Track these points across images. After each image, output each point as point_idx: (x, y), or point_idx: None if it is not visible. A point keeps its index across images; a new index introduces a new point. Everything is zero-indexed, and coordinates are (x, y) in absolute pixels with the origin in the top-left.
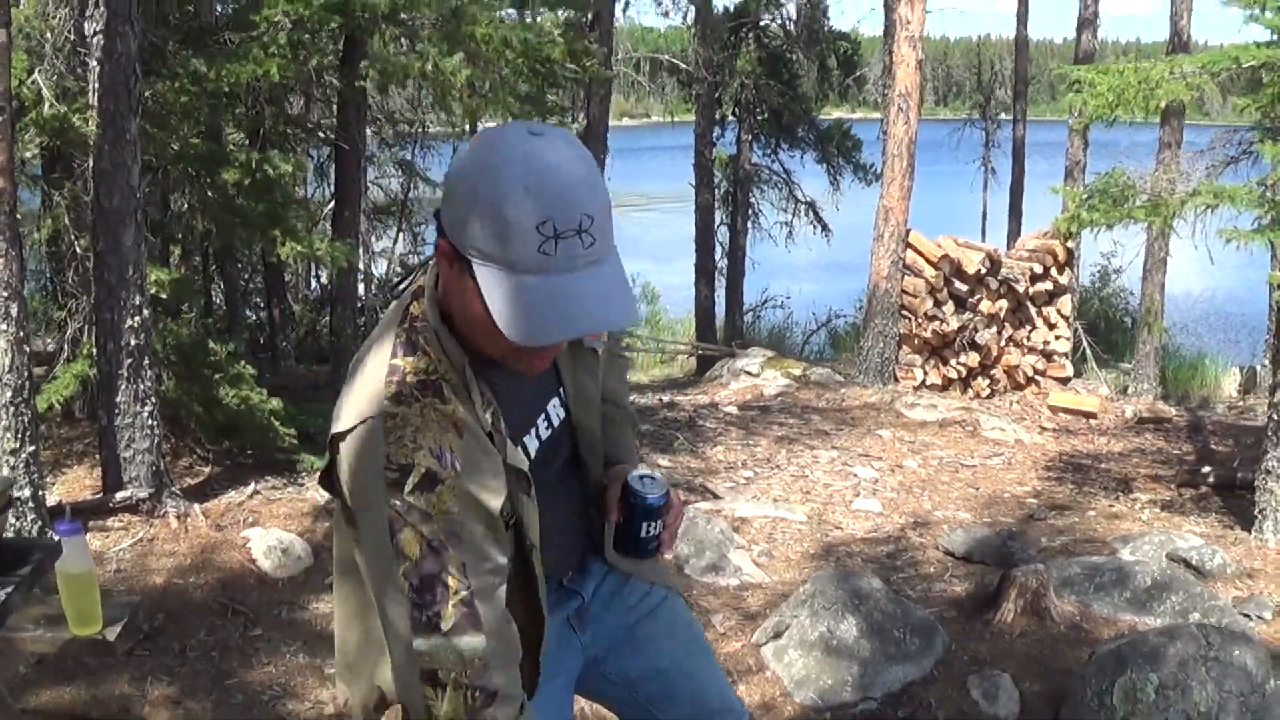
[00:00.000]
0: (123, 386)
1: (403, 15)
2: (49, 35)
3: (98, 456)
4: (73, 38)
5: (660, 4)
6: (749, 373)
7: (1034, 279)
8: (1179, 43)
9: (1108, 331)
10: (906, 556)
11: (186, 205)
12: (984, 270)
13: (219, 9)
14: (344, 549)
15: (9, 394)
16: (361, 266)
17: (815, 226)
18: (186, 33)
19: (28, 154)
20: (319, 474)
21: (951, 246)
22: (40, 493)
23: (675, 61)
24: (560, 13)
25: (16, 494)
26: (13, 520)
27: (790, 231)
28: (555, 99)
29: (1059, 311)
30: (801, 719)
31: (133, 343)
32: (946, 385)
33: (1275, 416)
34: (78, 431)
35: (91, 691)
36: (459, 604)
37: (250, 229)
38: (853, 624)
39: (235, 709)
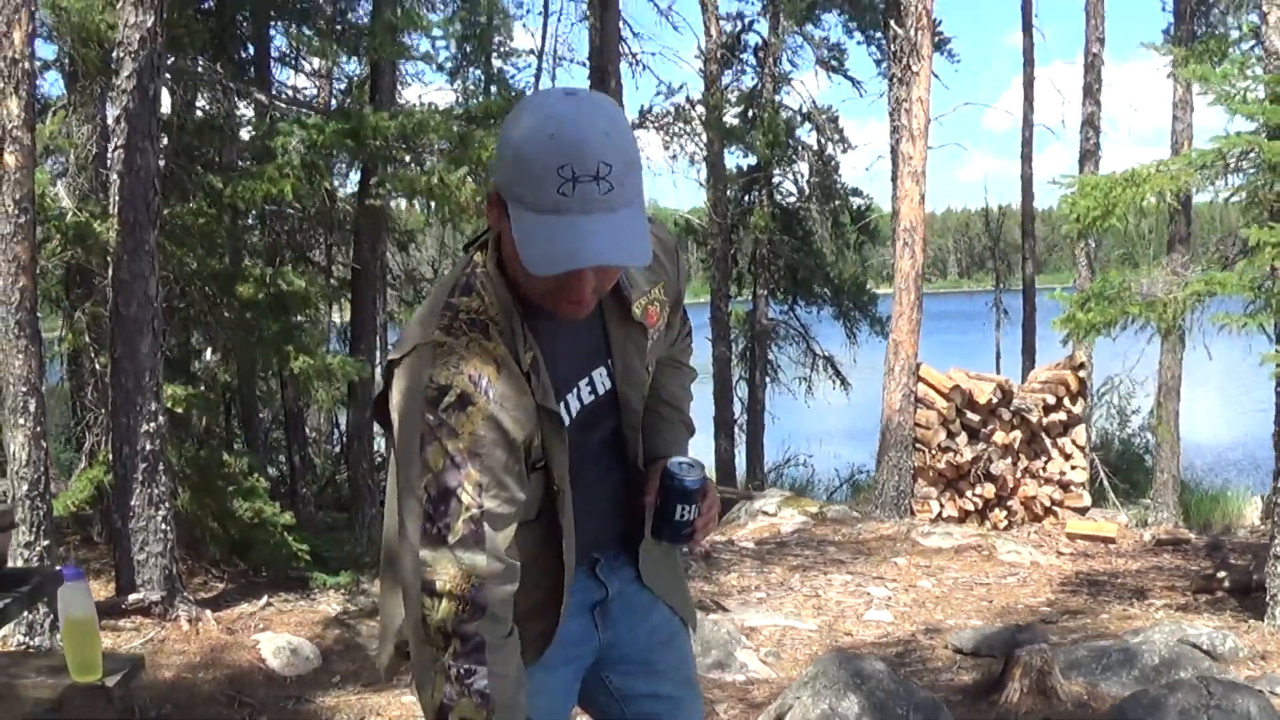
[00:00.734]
0: (137, 490)
1: (412, 139)
2: (72, 151)
3: (111, 559)
4: (95, 151)
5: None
6: (766, 512)
7: (1047, 410)
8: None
9: (1129, 471)
10: (915, 655)
11: (203, 323)
12: (996, 401)
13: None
14: (392, 514)
15: (26, 487)
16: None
17: (834, 381)
18: (206, 163)
19: (49, 265)
20: (373, 403)
21: (962, 378)
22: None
23: (690, 219)
24: None
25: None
26: (23, 639)
27: (809, 386)
28: None
29: (1074, 442)
30: None
31: (148, 448)
32: (963, 517)
33: (1278, 502)
34: (92, 538)
35: None
36: (468, 520)
37: (265, 347)
38: (854, 702)
39: None
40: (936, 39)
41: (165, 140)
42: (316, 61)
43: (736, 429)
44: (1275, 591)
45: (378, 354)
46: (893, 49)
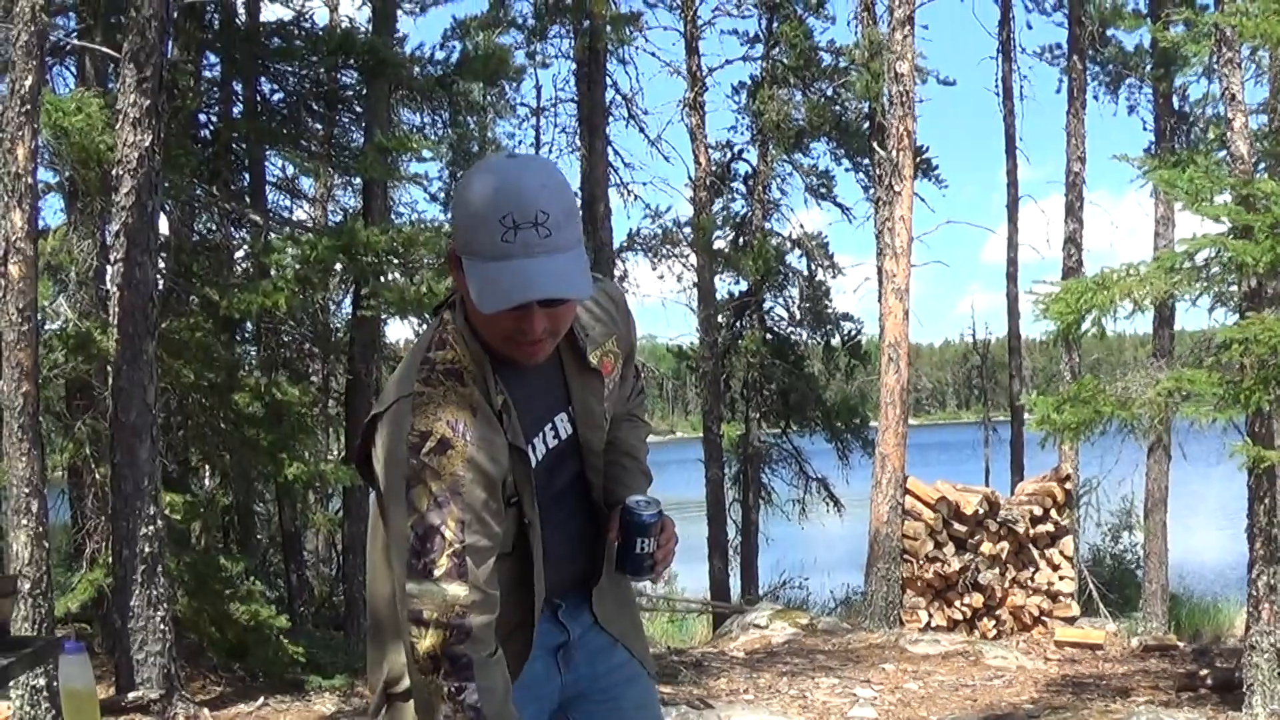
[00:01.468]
0: (137, 591)
1: (403, 254)
2: (73, 268)
3: (110, 662)
4: (95, 267)
5: (657, 268)
6: (757, 625)
7: (1034, 521)
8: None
9: (1121, 586)
10: None
11: (201, 435)
12: (982, 512)
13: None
14: (374, 566)
15: (28, 585)
16: None
17: (828, 504)
18: (203, 280)
19: (51, 377)
20: (356, 456)
21: (949, 490)
22: (54, 684)
23: (680, 345)
24: None
25: (32, 682)
26: (29, 708)
27: (803, 508)
28: None
29: (1062, 553)
30: None
31: (147, 550)
32: (952, 626)
33: (1254, 593)
34: (92, 648)
35: None
36: (451, 555)
37: (260, 455)
38: None
39: None
40: (920, 161)
41: (163, 260)
42: (311, 187)
43: (730, 550)
44: (1251, 681)
45: None
46: (876, 171)
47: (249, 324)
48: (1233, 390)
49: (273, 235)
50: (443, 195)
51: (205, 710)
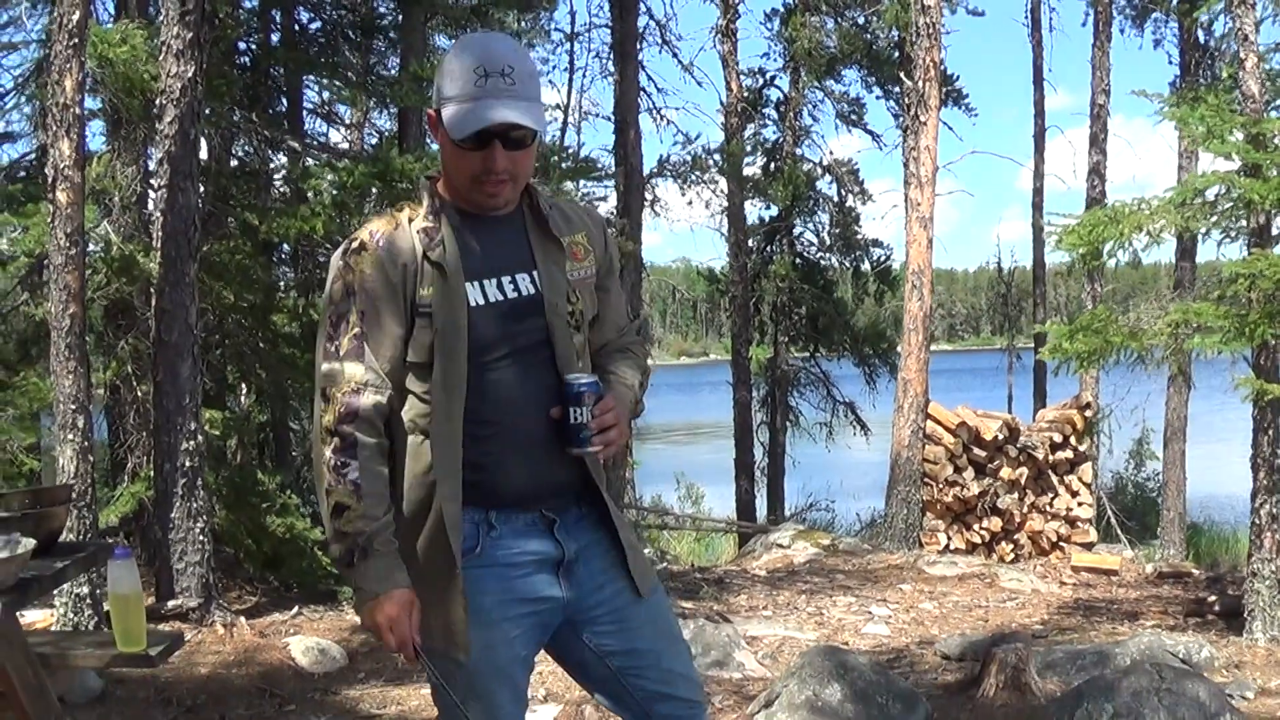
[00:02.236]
0: (177, 504)
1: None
2: (117, 193)
3: (150, 572)
4: (138, 193)
5: (686, 193)
6: (780, 545)
7: (1054, 447)
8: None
9: (1142, 513)
10: (906, 661)
11: (240, 354)
12: (1002, 438)
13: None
14: None
15: (74, 497)
16: None
17: (855, 427)
18: (242, 204)
19: (94, 298)
20: None
21: (970, 415)
22: (98, 591)
23: (711, 268)
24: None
25: (76, 590)
26: (72, 614)
27: (830, 432)
28: None
29: (1080, 479)
30: None
31: (187, 464)
32: (970, 549)
33: (1258, 521)
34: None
35: None
36: (353, 337)
37: (296, 373)
38: (837, 689)
39: None
40: (950, 90)
41: (204, 184)
42: (348, 114)
43: (757, 472)
44: (1252, 607)
45: None
46: (904, 101)
47: (286, 247)
48: (1239, 324)
49: (310, 161)
50: None
51: (242, 619)
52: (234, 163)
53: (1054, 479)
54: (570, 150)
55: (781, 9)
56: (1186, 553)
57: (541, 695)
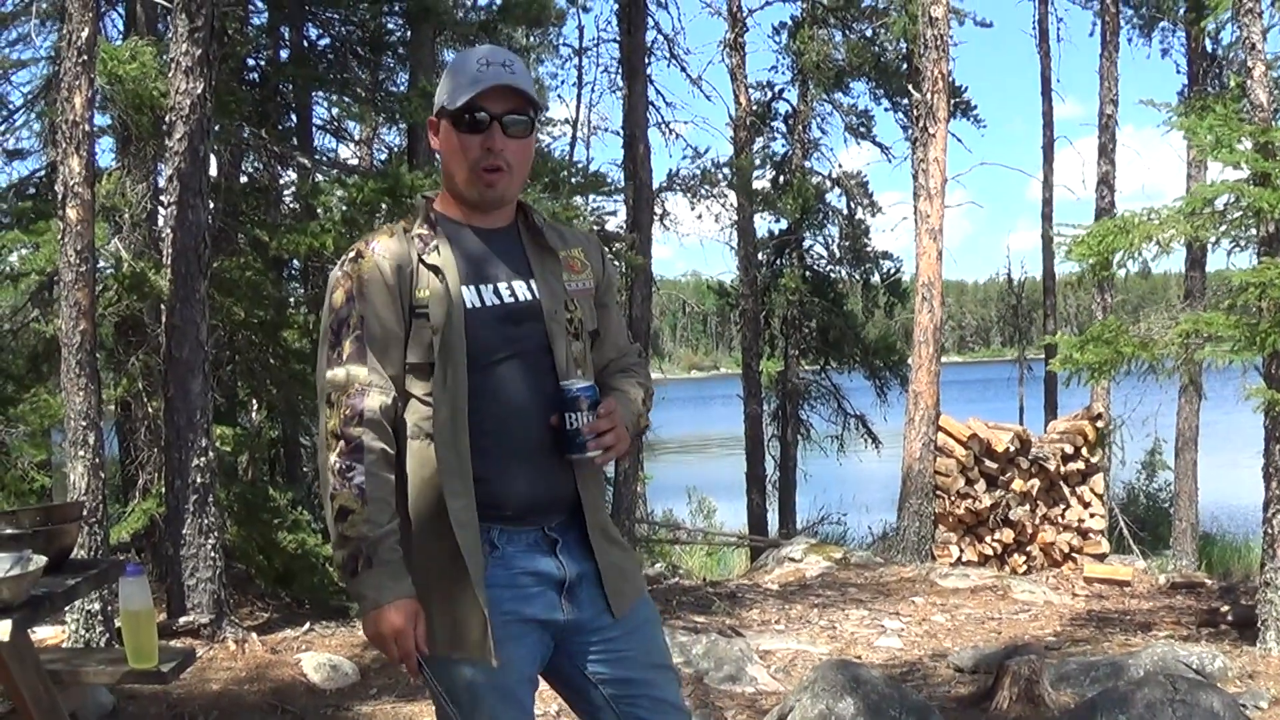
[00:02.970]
0: (189, 520)
1: None
2: (127, 210)
3: (161, 589)
4: (148, 210)
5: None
6: (792, 559)
7: (1065, 459)
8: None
9: (1154, 524)
10: (919, 674)
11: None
12: (1014, 450)
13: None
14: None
15: (85, 514)
16: None
17: (866, 439)
18: (252, 221)
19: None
20: None
21: (981, 428)
22: (110, 608)
23: (722, 282)
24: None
25: (87, 606)
26: (84, 631)
27: (841, 445)
28: None
29: (1092, 490)
30: None
31: (199, 480)
32: (983, 561)
33: (1271, 531)
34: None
35: None
36: (354, 340)
37: (307, 389)
38: (850, 704)
39: None
40: (959, 102)
41: (213, 201)
42: (357, 130)
43: (769, 486)
44: (1265, 617)
45: None
46: (914, 112)
47: (296, 263)
48: (1249, 333)
49: (320, 177)
50: None
51: (253, 635)
52: (244, 179)
53: (1066, 490)
54: (579, 165)
55: (789, 22)
56: (1199, 563)
57: (555, 711)
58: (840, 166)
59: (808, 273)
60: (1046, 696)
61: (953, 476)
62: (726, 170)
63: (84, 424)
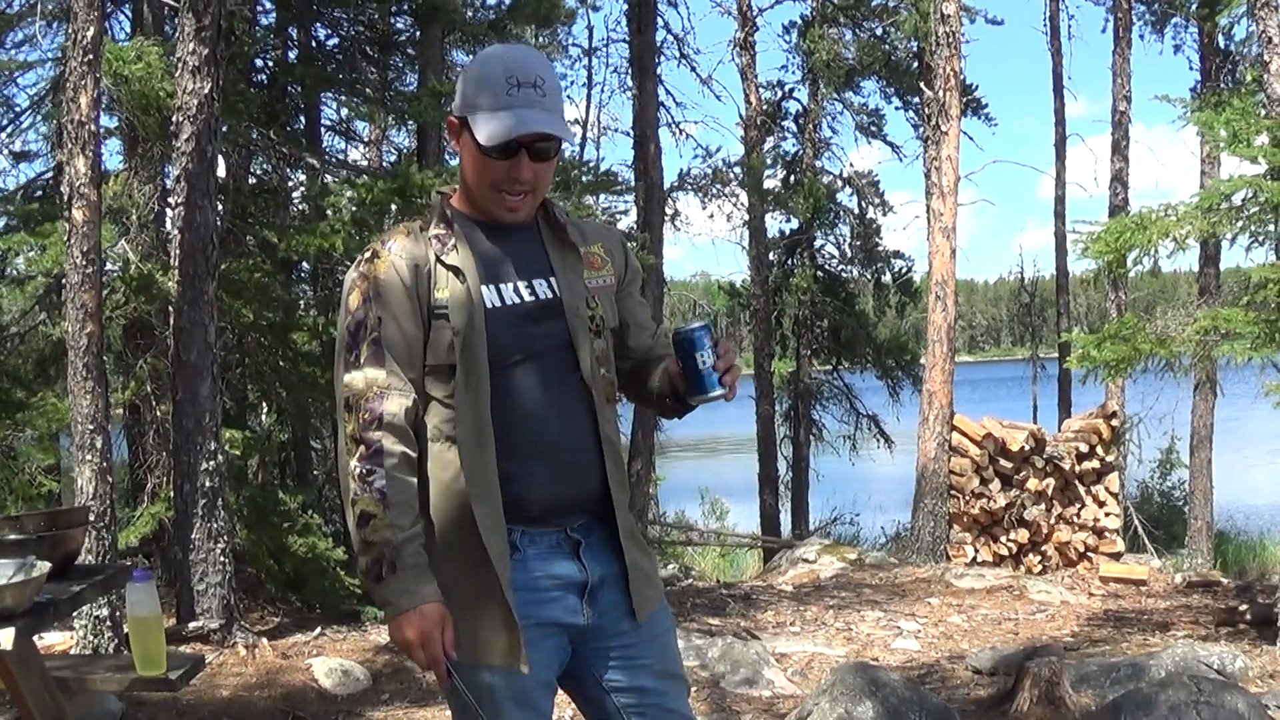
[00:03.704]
0: (198, 524)
1: None
2: (135, 211)
3: (170, 594)
4: (155, 211)
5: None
6: (806, 560)
7: (1080, 458)
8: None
9: (1169, 522)
10: (936, 676)
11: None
12: (1029, 449)
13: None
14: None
15: (91, 518)
16: None
17: (878, 440)
18: (261, 222)
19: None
20: None
21: (995, 427)
22: (117, 614)
23: (733, 282)
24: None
25: (95, 612)
26: (91, 637)
27: (854, 445)
28: None
29: (1107, 489)
30: None
31: (208, 484)
32: (998, 561)
33: None
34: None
35: None
36: (371, 343)
37: (317, 391)
38: (869, 707)
39: None
40: (970, 100)
41: (221, 202)
42: (366, 130)
43: (781, 486)
44: None
45: None
46: (925, 110)
47: (305, 265)
48: (1267, 329)
49: (329, 178)
50: None
51: (264, 640)
52: (252, 180)
53: (1081, 489)
54: (590, 164)
55: (799, 21)
56: (1214, 561)
57: (569, 715)
58: (851, 166)
59: (819, 272)
60: (1067, 698)
61: (967, 476)
62: (737, 170)
63: (91, 428)
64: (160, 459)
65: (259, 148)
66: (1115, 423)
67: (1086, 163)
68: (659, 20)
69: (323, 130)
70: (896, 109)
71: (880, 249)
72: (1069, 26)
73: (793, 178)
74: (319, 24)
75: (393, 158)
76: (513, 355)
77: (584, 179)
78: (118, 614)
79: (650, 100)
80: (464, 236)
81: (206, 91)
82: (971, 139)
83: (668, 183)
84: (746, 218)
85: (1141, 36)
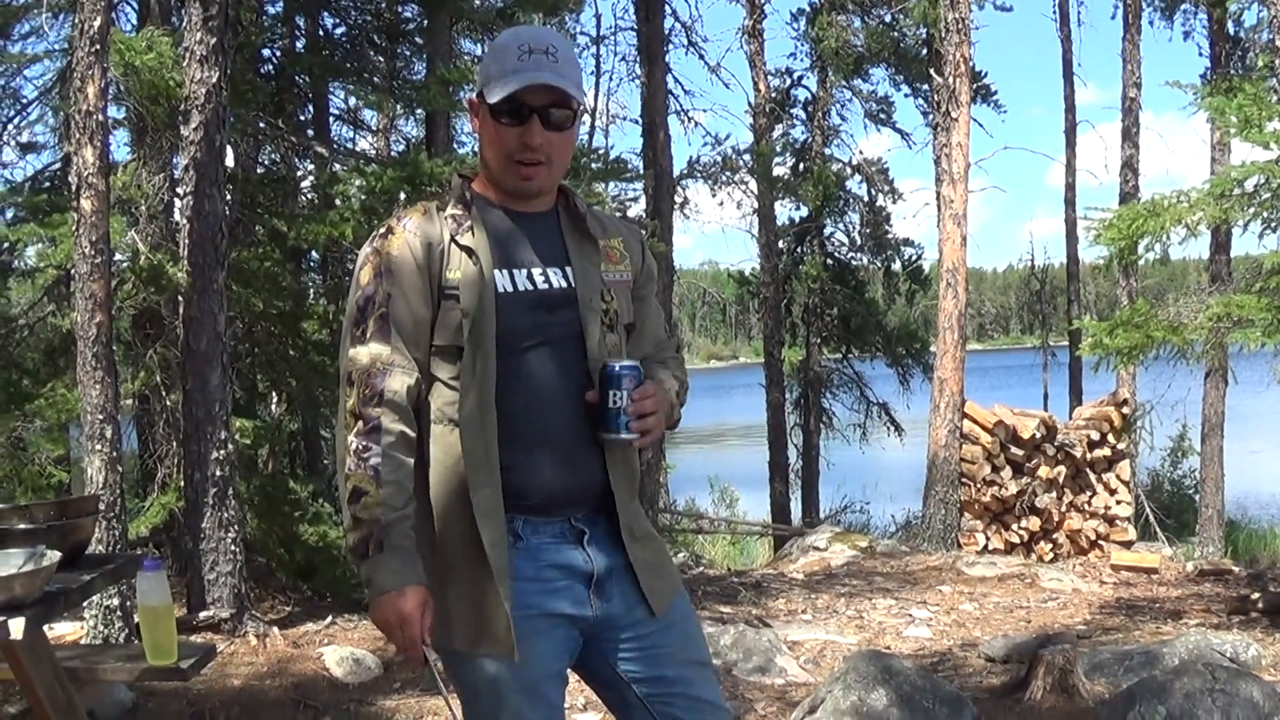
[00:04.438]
0: (208, 514)
1: None
2: (143, 202)
3: (181, 583)
4: (164, 201)
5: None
6: (817, 548)
7: (1091, 445)
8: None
9: (1180, 511)
10: (949, 664)
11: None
12: (1040, 436)
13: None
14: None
15: (101, 507)
16: None
17: (888, 428)
18: (270, 211)
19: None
20: None
21: (1006, 414)
22: (127, 604)
23: (742, 271)
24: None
25: (105, 602)
26: (102, 627)
27: (864, 433)
28: None
29: (1118, 477)
30: None
31: (218, 473)
32: (1009, 549)
33: None
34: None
35: None
36: (379, 318)
37: (327, 380)
38: (883, 695)
39: None
40: (979, 87)
41: (230, 192)
42: (374, 119)
43: (791, 474)
44: None
45: None
46: (935, 97)
47: (314, 254)
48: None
49: (337, 167)
50: None
51: (275, 629)
52: (260, 170)
53: (1092, 477)
54: (600, 151)
55: (808, 8)
56: (1225, 550)
57: (581, 704)
58: (860, 153)
59: (829, 260)
60: (1081, 687)
61: (978, 463)
62: (746, 157)
63: (101, 418)
64: (170, 449)
65: (267, 137)
66: (1126, 410)
67: (1097, 150)
68: (667, 8)
69: (331, 119)
70: (906, 96)
71: (890, 236)
72: (1079, 13)
73: (802, 165)
74: (326, 13)
75: (401, 147)
76: (522, 342)
77: (594, 166)
78: (128, 604)
79: (659, 88)
80: (481, 219)
81: (214, 81)
82: (981, 126)
83: (677, 170)
84: (756, 205)
85: (1151, 23)
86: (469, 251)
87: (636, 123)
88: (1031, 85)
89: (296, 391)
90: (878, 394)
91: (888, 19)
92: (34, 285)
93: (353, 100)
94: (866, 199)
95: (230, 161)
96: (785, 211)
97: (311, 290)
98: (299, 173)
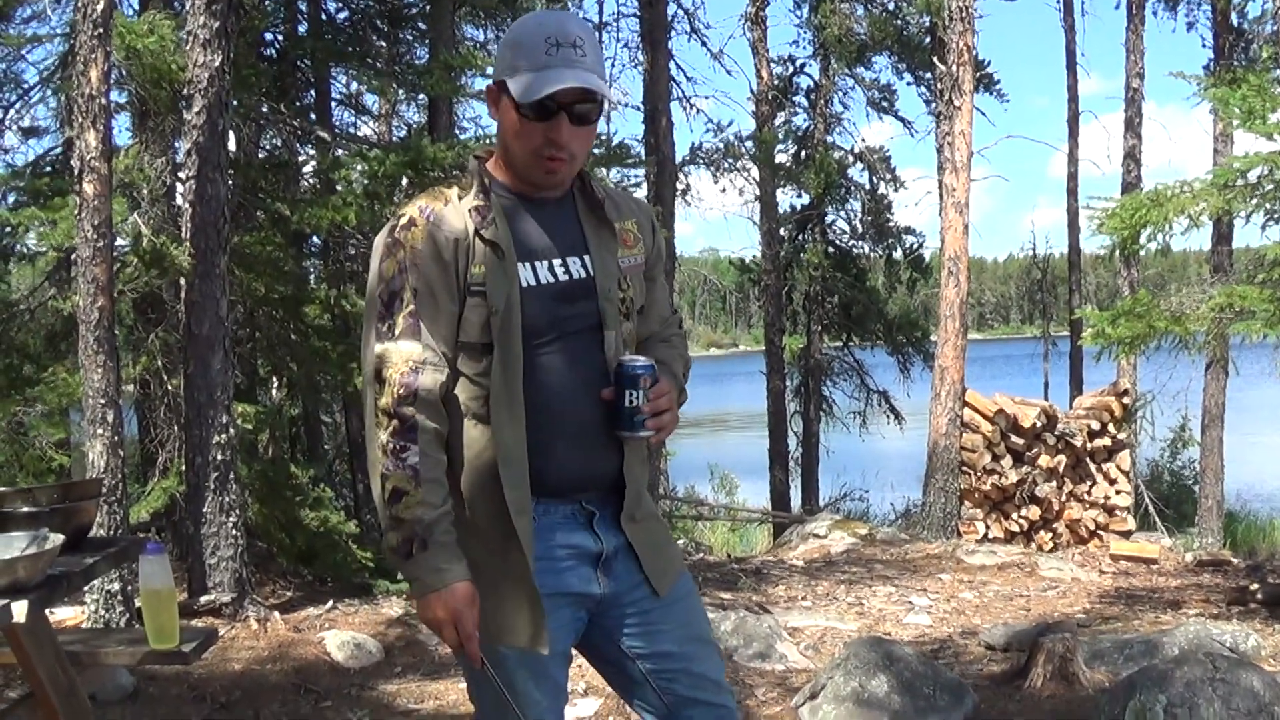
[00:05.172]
0: (209, 498)
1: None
2: (146, 186)
3: (182, 567)
4: (167, 185)
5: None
6: (817, 535)
7: (1092, 435)
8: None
9: (1179, 501)
10: (950, 651)
11: (271, 348)
12: (1040, 425)
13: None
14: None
15: (102, 490)
16: None
17: (889, 416)
18: (272, 195)
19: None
20: None
21: (1007, 403)
22: (130, 588)
23: (743, 258)
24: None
25: (107, 587)
26: (103, 611)
27: (864, 421)
28: None
29: (1119, 467)
30: None
31: (219, 458)
32: (1009, 538)
33: None
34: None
35: None
36: (408, 315)
37: (329, 365)
38: (884, 680)
39: None
40: (982, 76)
41: (232, 176)
42: (376, 104)
43: (791, 462)
44: None
45: None
46: (937, 86)
47: (316, 240)
48: None
49: (340, 151)
50: None
51: (276, 613)
52: (262, 154)
53: (1092, 467)
54: (603, 137)
55: None
56: (1224, 541)
57: (582, 689)
58: (863, 141)
59: (830, 248)
60: (1081, 675)
61: (979, 452)
62: (749, 144)
63: (102, 402)
64: (171, 433)
65: (269, 121)
66: (1127, 400)
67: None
68: None
69: (333, 104)
70: (908, 84)
71: (891, 225)
72: (1082, 3)
73: (804, 153)
74: None
75: (403, 132)
76: (544, 334)
77: (597, 151)
78: (129, 588)
79: (661, 74)
80: (501, 210)
81: (217, 65)
82: (984, 114)
83: (679, 157)
84: (757, 193)
85: (1155, 13)
86: (493, 246)
87: (639, 109)
88: (1034, 74)
89: (298, 376)
90: (878, 382)
91: (891, 7)
92: (35, 269)
93: (355, 85)
94: (868, 187)
95: (232, 146)
96: (787, 199)
97: (313, 275)
98: (301, 157)
